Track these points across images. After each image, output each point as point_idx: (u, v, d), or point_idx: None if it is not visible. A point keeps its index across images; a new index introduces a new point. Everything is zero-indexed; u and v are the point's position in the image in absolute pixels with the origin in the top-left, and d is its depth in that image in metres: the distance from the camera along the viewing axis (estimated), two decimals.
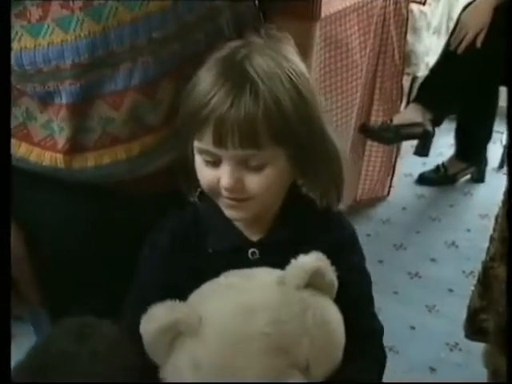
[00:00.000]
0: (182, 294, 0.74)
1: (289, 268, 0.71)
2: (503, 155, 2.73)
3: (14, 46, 0.72)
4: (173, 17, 0.73)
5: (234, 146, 0.69)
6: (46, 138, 0.77)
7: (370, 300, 0.82)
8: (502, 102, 2.49)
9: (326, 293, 0.72)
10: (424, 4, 2.40)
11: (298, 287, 0.70)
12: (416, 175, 2.75)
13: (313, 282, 0.71)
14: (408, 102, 2.48)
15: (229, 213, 0.75)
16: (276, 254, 0.76)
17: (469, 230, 2.39)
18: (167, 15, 0.72)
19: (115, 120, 0.75)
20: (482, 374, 1.36)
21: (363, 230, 2.33)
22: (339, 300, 0.74)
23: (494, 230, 1.27)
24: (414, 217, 2.51)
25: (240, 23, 0.80)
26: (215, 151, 0.71)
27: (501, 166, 2.77)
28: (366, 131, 2.32)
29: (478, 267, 1.38)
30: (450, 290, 2.05)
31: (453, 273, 2.14)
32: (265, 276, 0.73)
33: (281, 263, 0.73)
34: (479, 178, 2.72)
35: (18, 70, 0.74)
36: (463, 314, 1.41)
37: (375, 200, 2.56)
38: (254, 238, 0.78)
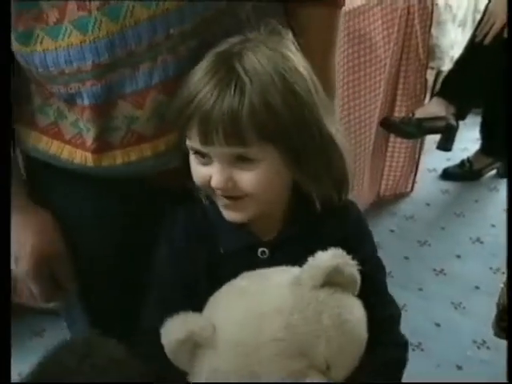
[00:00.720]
0: (200, 291, 0.75)
1: (305, 267, 0.70)
2: None
3: (37, 48, 0.73)
4: (190, 13, 0.72)
5: (219, 144, 0.68)
6: (75, 136, 0.79)
7: (385, 287, 0.82)
8: None
9: (348, 289, 0.71)
10: None
11: (314, 287, 0.69)
12: (440, 170, 2.71)
13: (331, 280, 0.70)
14: (432, 97, 2.44)
15: (226, 213, 0.75)
16: (286, 253, 0.77)
17: (494, 226, 2.35)
18: (184, 11, 0.72)
19: (139, 118, 0.76)
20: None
21: (387, 226, 2.31)
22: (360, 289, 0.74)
23: None
24: (439, 213, 2.48)
25: (261, 15, 0.79)
26: (203, 149, 0.71)
27: None
28: (387, 125, 2.29)
29: (504, 263, 1.34)
30: (476, 287, 2.01)
31: (478, 269, 2.10)
32: (279, 277, 0.72)
33: (292, 261, 0.73)
34: (505, 173, 2.67)
35: (43, 71, 0.75)
36: (490, 312, 1.38)
37: (399, 196, 2.53)
38: (265, 237, 0.78)
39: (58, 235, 0.86)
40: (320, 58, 0.85)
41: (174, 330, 0.68)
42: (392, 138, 2.40)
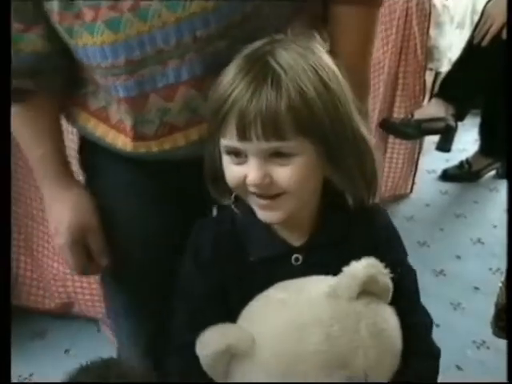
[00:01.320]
0: (231, 302, 0.75)
1: (340, 277, 0.70)
2: None
3: (78, 42, 0.78)
4: (216, 17, 0.75)
5: (257, 139, 0.68)
6: (119, 122, 0.84)
7: (417, 294, 0.81)
8: None
9: (381, 297, 0.71)
10: None
11: (351, 298, 0.69)
12: (439, 172, 2.72)
13: (366, 289, 0.69)
14: (431, 99, 2.45)
15: (262, 214, 0.74)
16: (319, 258, 0.76)
17: (495, 227, 2.34)
18: (209, 16, 0.75)
19: (171, 110, 0.80)
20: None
21: None
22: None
23: None
24: (438, 214, 2.48)
25: (294, 14, 0.82)
26: (240, 146, 0.70)
27: None
28: (386, 126, 2.30)
29: (505, 264, 1.34)
30: (476, 288, 2.01)
31: (478, 270, 2.10)
32: (315, 288, 0.71)
33: (325, 266, 0.72)
34: (504, 173, 2.68)
35: (86, 62, 0.81)
36: (490, 312, 1.38)
37: (398, 197, 2.53)
38: (296, 242, 0.77)
39: (93, 211, 0.91)
40: (358, 57, 0.87)
41: (213, 341, 0.67)
42: (391, 139, 2.40)
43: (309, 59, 0.70)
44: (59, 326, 1.74)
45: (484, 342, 1.75)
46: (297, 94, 0.68)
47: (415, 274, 0.81)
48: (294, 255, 0.76)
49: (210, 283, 0.77)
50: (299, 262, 0.76)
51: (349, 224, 0.77)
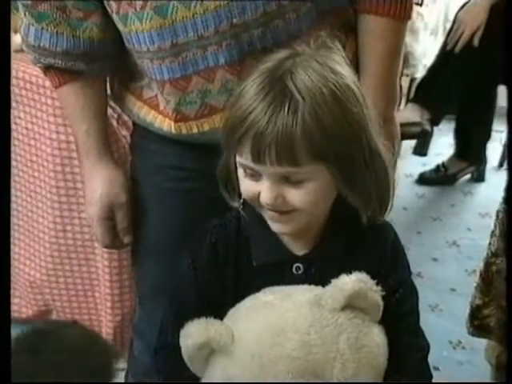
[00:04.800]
0: (226, 304, 0.75)
1: (327, 288, 0.70)
2: (503, 154, 2.72)
3: (132, 28, 0.85)
4: (252, 6, 0.80)
5: (271, 163, 0.68)
6: (166, 107, 0.90)
7: (416, 316, 0.80)
8: (501, 100, 2.47)
9: (369, 314, 0.71)
10: (421, 5, 2.38)
11: (334, 310, 0.68)
12: (416, 175, 2.73)
13: (353, 303, 0.69)
14: (407, 104, 2.47)
15: (274, 226, 0.74)
16: (320, 269, 0.75)
17: (470, 229, 2.37)
18: (247, 4, 0.80)
19: (211, 91, 0.85)
20: (486, 372, 1.34)
21: None
22: (385, 317, 0.73)
23: (495, 225, 1.25)
24: (415, 217, 2.49)
25: (325, 13, 0.86)
26: (254, 167, 0.70)
27: (501, 165, 2.76)
28: None
29: (480, 266, 1.36)
30: (453, 289, 2.03)
31: (455, 272, 2.12)
32: (301, 295, 0.71)
33: (325, 278, 0.72)
34: (479, 177, 2.71)
35: (136, 48, 0.87)
36: (466, 313, 1.39)
37: None
38: (300, 252, 0.77)
39: (124, 187, 0.99)
40: (385, 66, 0.90)
41: (194, 333, 0.69)
42: None
43: (328, 80, 0.69)
44: None
45: (460, 341, 1.76)
46: (313, 120, 0.67)
47: (417, 294, 0.81)
48: (296, 264, 0.76)
49: (203, 286, 0.77)
50: (300, 272, 0.76)
51: (354, 237, 0.77)
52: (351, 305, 0.69)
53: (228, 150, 0.75)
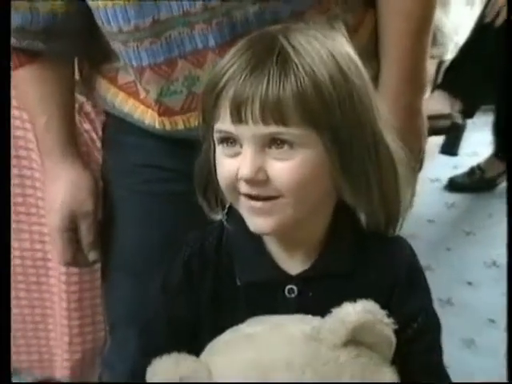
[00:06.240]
0: (201, 339, 0.76)
1: (327, 319, 0.70)
2: None
3: (99, 4, 0.86)
4: None
5: (254, 121, 0.70)
6: (146, 97, 0.92)
7: (438, 351, 0.81)
8: None
9: (378, 351, 0.71)
10: None
11: (335, 346, 0.69)
12: (445, 180, 2.76)
13: (358, 338, 0.69)
14: (433, 91, 2.48)
15: (252, 222, 0.75)
16: (319, 292, 0.76)
17: None
18: None
19: (200, 78, 0.87)
20: None
21: None
22: (398, 355, 0.73)
23: None
24: (444, 231, 2.51)
25: None
26: (233, 129, 0.72)
27: None
28: None
29: None
30: (491, 321, 2.04)
31: (494, 299, 2.12)
32: (295, 327, 0.71)
33: (324, 303, 0.72)
34: None
35: (106, 27, 0.88)
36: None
37: None
38: (294, 270, 0.78)
39: (91, 194, 1.00)
40: (411, 47, 0.91)
41: (164, 371, 0.70)
42: None
43: (328, 46, 0.73)
44: None
45: None
46: (306, 75, 0.69)
47: (439, 327, 0.82)
48: (289, 285, 0.77)
49: (174, 314, 0.78)
50: (293, 295, 0.77)
51: (361, 255, 0.78)
52: (356, 340, 0.69)
53: (207, 131, 0.77)
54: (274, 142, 0.71)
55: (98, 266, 1.11)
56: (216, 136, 0.75)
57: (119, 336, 1.04)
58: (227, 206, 0.80)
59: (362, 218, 0.78)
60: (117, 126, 1.01)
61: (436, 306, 2.18)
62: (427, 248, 2.38)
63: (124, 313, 1.02)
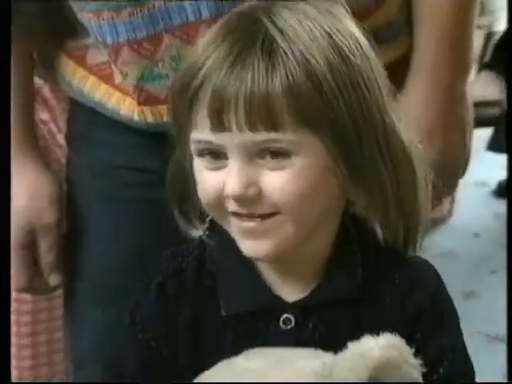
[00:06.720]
0: (178, 377, 0.76)
1: (342, 355, 0.69)
2: None
3: None
4: None
5: (239, 128, 0.69)
6: (123, 81, 0.91)
7: None
8: None
9: None
10: None
11: None
12: (494, 184, 2.79)
13: (379, 378, 0.69)
14: (480, 72, 2.49)
15: (245, 245, 0.75)
16: (322, 323, 0.77)
17: None
18: None
19: None
20: None
21: None
22: None
23: None
24: (492, 247, 2.52)
25: None
26: (215, 139, 0.71)
27: None
28: None
29: None
30: None
31: None
32: (301, 362, 0.71)
33: (329, 336, 0.74)
34: None
35: None
36: None
37: (430, 223, 2.55)
38: (291, 297, 0.78)
39: (51, 203, 0.99)
40: (454, 15, 0.91)
41: None
42: None
43: (322, 22, 0.72)
44: None
45: None
46: (298, 66, 0.69)
47: (472, 369, 0.80)
48: (285, 315, 0.77)
49: (145, 349, 0.79)
50: (290, 326, 0.77)
51: (374, 277, 0.78)
52: (377, 380, 0.69)
53: (180, 137, 0.77)
54: (266, 151, 0.71)
55: (59, 292, 1.10)
56: (193, 147, 0.74)
57: (85, 374, 1.04)
58: (209, 218, 0.79)
59: (378, 231, 0.78)
60: (86, 118, 1.00)
61: (482, 340, 2.18)
62: (472, 269, 2.39)
63: (92, 348, 1.01)
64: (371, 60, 0.74)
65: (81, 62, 0.96)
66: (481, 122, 2.38)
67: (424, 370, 0.69)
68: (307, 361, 0.71)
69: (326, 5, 0.75)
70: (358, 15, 0.83)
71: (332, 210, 0.76)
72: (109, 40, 0.88)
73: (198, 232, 0.80)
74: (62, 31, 0.97)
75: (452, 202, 2.57)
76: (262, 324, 0.77)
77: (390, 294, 0.78)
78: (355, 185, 0.74)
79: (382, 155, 0.74)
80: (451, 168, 0.98)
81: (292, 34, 0.70)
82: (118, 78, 0.93)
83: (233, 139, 0.70)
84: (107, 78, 0.94)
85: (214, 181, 0.73)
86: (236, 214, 0.73)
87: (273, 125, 0.69)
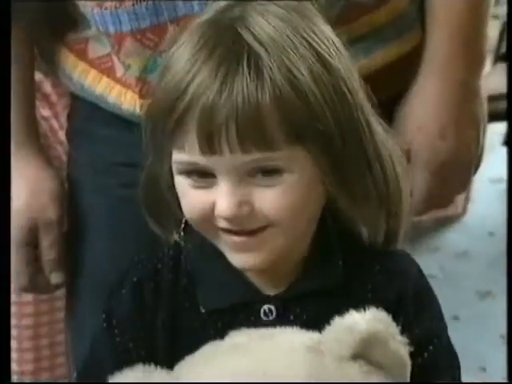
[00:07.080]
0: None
1: (329, 329, 0.71)
2: None
3: None
4: None
5: (232, 150, 0.70)
6: (125, 73, 0.92)
7: None
8: None
9: (388, 370, 0.72)
10: None
11: (341, 358, 0.70)
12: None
13: (367, 354, 0.70)
14: (495, 64, 2.49)
15: (237, 260, 0.76)
16: (303, 315, 0.78)
17: None
18: None
19: None
20: None
21: (424, 268, 2.31)
22: None
23: None
24: (508, 246, 2.50)
25: None
26: (205, 162, 0.71)
27: None
28: None
29: None
30: None
31: None
32: (290, 338, 0.73)
33: (311, 326, 0.74)
34: None
35: None
36: None
37: (443, 221, 2.57)
38: (271, 290, 0.79)
39: (53, 200, 1.00)
40: (467, 5, 0.91)
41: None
42: None
43: (298, 27, 0.73)
44: None
45: None
46: (285, 81, 0.70)
47: (457, 359, 0.82)
48: (265, 305, 0.78)
49: (122, 352, 0.79)
50: (272, 317, 0.78)
51: (354, 269, 0.80)
52: (365, 356, 0.71)
53: (157, 151, 0.77)
54: (257, 169, 0.72)
55: (61, 294, 1.11)
56: (177, 166, 0.75)
57: None
58: (183, 220, 0.80)
59: (359, 226, 0.80)
60: (87, 113, 1.01)
61: (498, 343, 2.18)
62: (486, 269, 2.39)
63: None
64: (346, 57, 0.76)
65: (82, 55, 0.97)
66: (497, 116, 2.39)
67: (411, 349, 0.72)
68: (293, 337, 0.73)
69: (293, 4, 0.76)
70: (369, 8, 0.85)
71: (317, 213, 0.79)
72: (111, 30, 0.89)
73: (175, 237, 0.82)
74: (63, 22, 0.98)
75: (466, 199, 2.58)
76: (242, 316, 0.78)
77: (370, 283, 0.80)
78: (341, 191, 0.76)
79: (368, 158, 0.76)
80: (464, 164, 1.00)
81: (275, 48, 0.71)
82: (119, 71, 0.93)
83: (224, 161, 0.71)
84: (108, 72, 0.95)
85: (201, 199, 0.74)
86: (227, 230, 0.74)
87: (265, 144, 0.70)
